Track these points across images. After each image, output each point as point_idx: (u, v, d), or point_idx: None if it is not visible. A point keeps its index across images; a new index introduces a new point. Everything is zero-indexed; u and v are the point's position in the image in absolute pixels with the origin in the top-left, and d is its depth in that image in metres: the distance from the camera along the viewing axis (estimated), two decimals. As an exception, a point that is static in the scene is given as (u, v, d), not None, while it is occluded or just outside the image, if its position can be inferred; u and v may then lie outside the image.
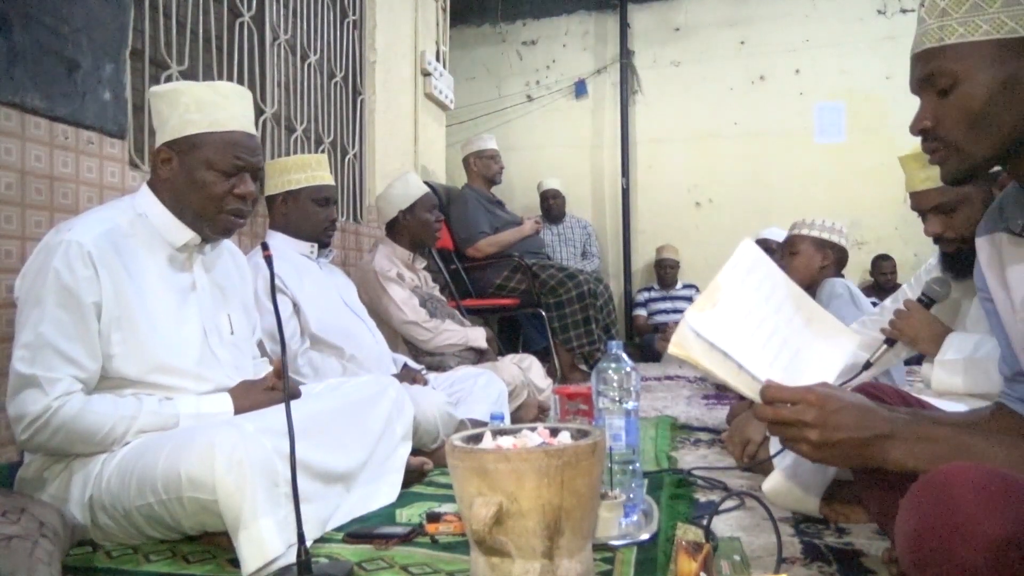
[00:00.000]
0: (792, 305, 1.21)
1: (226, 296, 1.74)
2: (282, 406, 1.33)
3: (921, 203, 1.70)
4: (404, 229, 2.97)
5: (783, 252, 2.70)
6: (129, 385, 1.51)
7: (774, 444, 1.89)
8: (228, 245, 1.83)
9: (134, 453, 1.43)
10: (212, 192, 1.58)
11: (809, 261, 2.60)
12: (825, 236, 2.62)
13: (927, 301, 1.80)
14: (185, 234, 1.62)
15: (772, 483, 1.58)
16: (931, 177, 1.65)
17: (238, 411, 1.58)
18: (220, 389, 1.62)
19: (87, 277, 1.44)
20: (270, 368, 1.95)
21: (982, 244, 1.12)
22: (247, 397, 1.61)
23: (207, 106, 1.57)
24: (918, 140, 1.70)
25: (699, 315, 1.10)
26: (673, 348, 1.07)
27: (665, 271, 5.60)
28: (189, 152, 1.57)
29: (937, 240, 1.71)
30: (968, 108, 0.99)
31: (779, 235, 3.82)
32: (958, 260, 1.69)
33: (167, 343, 1.55)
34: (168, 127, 1.58)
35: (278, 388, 1.65)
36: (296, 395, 1.70)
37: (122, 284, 1.49)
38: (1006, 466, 0.89)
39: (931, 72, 1.02)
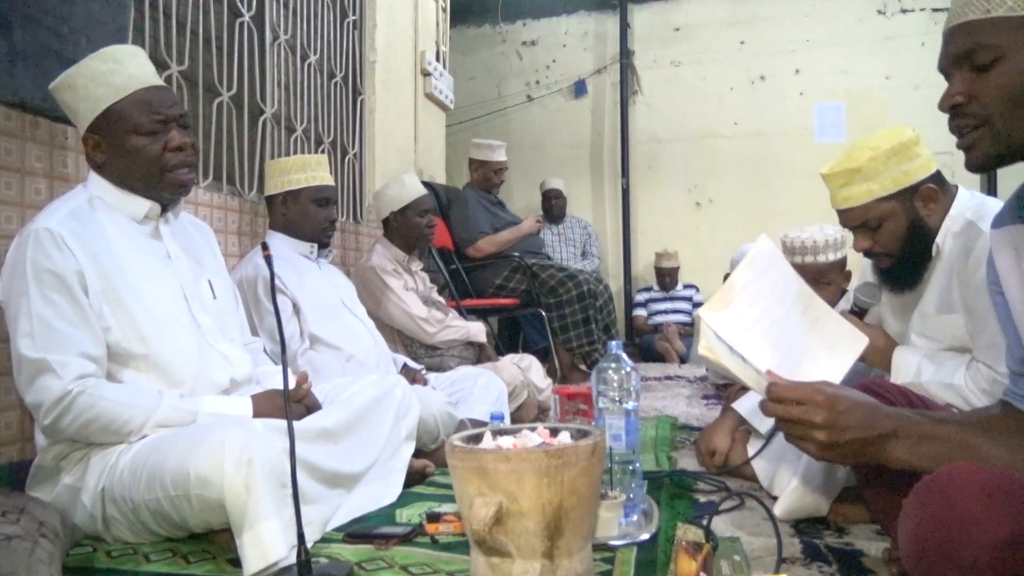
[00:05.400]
0: (802, 306, 1.21)
1: (202, 264, 1.74)
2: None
3: (846, 221, 1.70)
4: (395, 231, 3.00)
5: (806, 279, 2.53)
6: (132, 360, 1.51)
7: (751, 447, 1.89)
8: (191, 219, 1.84)
9: (148, 447, 1.43)
10: (148, 155, 1.57)
11: (839, 287, 2.49)
12: (842, 255, 2.51)
13: (858, 311, 1.83)
14: (143, 205, 1.62)
15: (785, 507, 1.56)
16: (852, 196, 1.65)
17: (257, 416, 1.57)
18: (205, 358, 1.62)
19: (63, 256, 1.44)
20: (264, 354, 1.96)
21: (996, 236, 1.10)
22: (268, 405, 1.61)
23: (103, 77, 1.55)
24: (839, 153, 1.72)
25: (714, 315, 1.10)
26: (702, 350, 1.08)
27: (664, 279, 5.59)
28: (110, 128, 1.56)
29: (867, 255, 1.71)
30: (1010, 85, 0.94)
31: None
32: (893, 275, 1.71)
33: (151, 313, 1.54)
34: (81, 115, 1.57)
35: (303, 401, 1.67)
36: (317, 407, 1.71)
37: (99, 258, 1.49)
38: (1009, 466, 0.89)
39: (972, 46, 0.97)
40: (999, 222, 1.10)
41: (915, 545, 0.83)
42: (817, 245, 2.48)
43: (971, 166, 1.02)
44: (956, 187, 1.68)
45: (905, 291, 1.71)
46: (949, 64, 1.01)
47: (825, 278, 2.47)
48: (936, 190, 1.63)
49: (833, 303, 2.35)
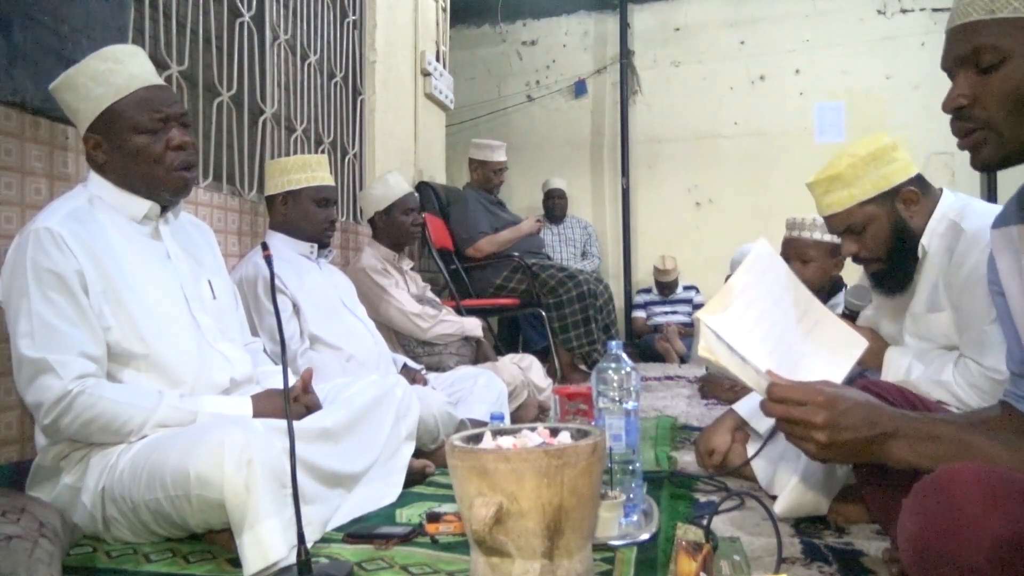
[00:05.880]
0: (801, 309, 1.22)
1: (201, 264, 1.74)
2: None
3: (832, 227, 1.74)
4: (382, 231, 3.00)
5: (787, 255, 2.58)
6: (132, 360, 1.51)
7: (750, 448, 1.90)
8: (191, 219, 1.84)
9: (147, 447, 1.43)
10: (150, 154, 1.56)
11: (823, 270, 2.54)
12: (831, 239, 2.55)
13: (850, 314, 1.87)
14: (143, 205, 1.61)
15: (785, 505, 1.57)
16: (834, 202, 1.68)
17: (257, 416, 1.57)
18: (205, 358, 1.62)
19: (63, 256, 1.43)
20: (264, 354, 1.96)
21: (996, 236, 1.09)
22: (268, 405, 1.61)
23: (104, 76, 1.54)
24: (827, 161, 1.74)
25: (712, 317, 1.11)
26: (702, 352, 1.08)
27: (664, 288, 5.58)
28: (111, 127, 1.56)
29: (856, 260, 1.74)
30: (1014, 88, 0.93)
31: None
32: (882, 278, 1.73)
33: (151, 313, 1.54)
34: (82, 115, 1.57)
35: (301, 401, 1.67)
36: (317, 407, 1.71)
37: (99, 258, 1.49)
38: (1009, 466, 0.89)
39: (976, 47, 0.95)
40: (1000, 222, 1.09)
41: (915, 545, 0.83)
42: (805, 222, 2.58)
43: (976, 166, 1.00)
44: (940, 189, 1.70)
45: (896, 294, 1.73)
46: (952, 64, 0.99)
47: (806, 255, 2.55)
48: (916, 192, 1.65)
49: (814, 284, 2.43)
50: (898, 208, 1.65)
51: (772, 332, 1.16)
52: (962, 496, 0.79)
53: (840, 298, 2.49)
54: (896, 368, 1.68)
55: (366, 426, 1.75)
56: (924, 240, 1.65)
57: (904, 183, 1.65)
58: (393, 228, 2.97)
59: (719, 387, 3.37)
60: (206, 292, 1.71)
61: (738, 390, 2.76)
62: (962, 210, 1.61)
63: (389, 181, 3.01)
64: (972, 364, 1.53)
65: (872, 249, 1.68)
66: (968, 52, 0.96)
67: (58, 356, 1.40)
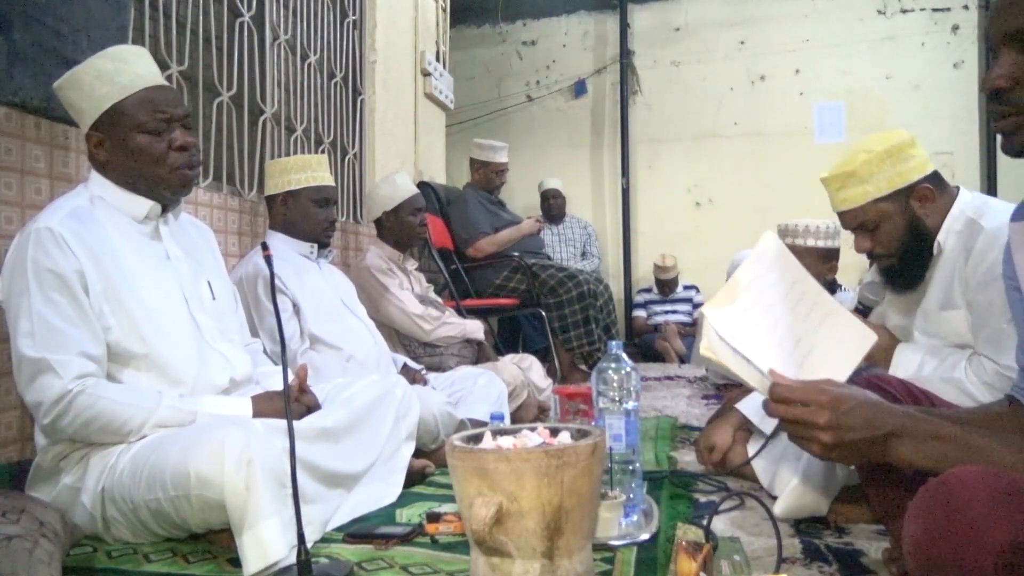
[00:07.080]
0: (810, 303, 1.21)
1: (201, 265, 1.74)
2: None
3: (845, 223, 1.73)
4: (388, 230, 2.99)
5: None
6: (132, 360, 1.51)
7: (751, 447, 1.90)
8: (191, 220, 1.84)
9: (147, 447, 1.43)
10: (152, 154, 1.56)
11: (818, 275, 2.55)
12: (828, 244, 2.58)
13: (863, 309, 1.87)
14: (144, 205, 1.61)
15: (785, 507, 1.56)
16: (848, 198, 1.67)
17: (257, 417, 1.57)
18: (204, 358, 1.61)
19: (64, 255, 1.43)
20: (263, 355, 1.96)
21: (1015, 229, 1.07)
22: (268, 405, 1.61)
23: (109, 75, 1.54)
24: (839, 154, 1.73)
25: (717, 312, 1.10)
26: (703, 351, 1.08)
27: (664, 286, 5.58)
28: (115, 126, 1.55)
29: (869, 255, 1.73)
30: None
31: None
32: (895, 274, 1.72)
33: (151, 313, 1.54)
34: (85, 113, 1.57)
35: (301, 401, 1.66)
36: (316, 407, 1.71)
37: (99, 258, 1.49)
38: (1016, 469, 0.88)
39: None
40: (1019, 216, 1.06)
41: (920, 550, 0.82)
42: (797, 229, 2.58)
43: (1007, 151, 0.94)
44: (957, 188, 1.69)
45: (907, 290, 1.72)
46: (998, 38, 0.91)
47: (801, 261, 2.57)
48: (932, 190, 1.64)
49: None
50: (913, 205, 1.64)
51: (780, 325, 1.16)
52: (969, 501, 0.78)
53: (838, 298, 2.51)
54: (907, 364, 1.67)
55: (366, 426, 1.75)
56: (940, 237, 1.64)
57: (920, 180, 1.64)
58: (400, 228, 2.97)
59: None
60: (205, 293, 1.71)
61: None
62: (981, 208, 1.60)
63: (396, 181, 3.01)
64: (987, 362, 1.53)
65: (885, 246, 1.67)
66: (1016, 29, 0.88)
67: (58, 356, 1.40)
